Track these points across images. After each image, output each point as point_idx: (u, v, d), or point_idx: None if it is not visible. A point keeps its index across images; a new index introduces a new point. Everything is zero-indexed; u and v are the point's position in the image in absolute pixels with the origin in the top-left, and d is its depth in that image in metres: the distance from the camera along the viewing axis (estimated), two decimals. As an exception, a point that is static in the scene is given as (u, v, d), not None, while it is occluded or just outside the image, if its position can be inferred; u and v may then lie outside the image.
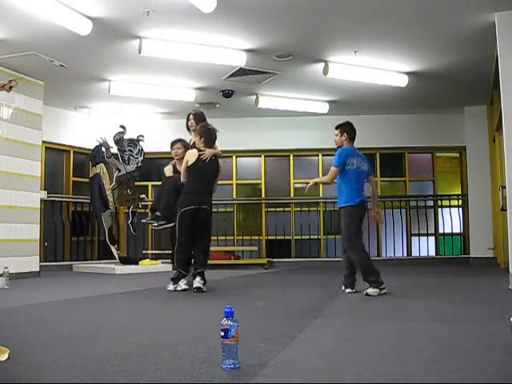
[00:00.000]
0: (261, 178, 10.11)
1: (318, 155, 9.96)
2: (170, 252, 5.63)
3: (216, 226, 8.26)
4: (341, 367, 2.19)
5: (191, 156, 5.19)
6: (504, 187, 5.46)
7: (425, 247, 9.80)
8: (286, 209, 9.94)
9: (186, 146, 5.57)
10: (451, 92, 8.32)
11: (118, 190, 8.81)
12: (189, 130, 5.57)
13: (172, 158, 5.84)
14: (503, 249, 7.11)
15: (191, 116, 5.54)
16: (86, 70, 7.13)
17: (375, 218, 5.36)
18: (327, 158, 10.01)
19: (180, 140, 5.76)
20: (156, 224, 5.47)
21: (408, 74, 7.34)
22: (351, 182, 4.84)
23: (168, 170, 5.80)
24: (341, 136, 5.00)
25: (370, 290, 4.67)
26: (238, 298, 4.62)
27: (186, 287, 5.06)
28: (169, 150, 5.82)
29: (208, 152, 5.15)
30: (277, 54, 6.62)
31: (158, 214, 5.50)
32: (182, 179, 5.20)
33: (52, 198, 8.53)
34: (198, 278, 5.00)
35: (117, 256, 8.60)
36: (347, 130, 5.00)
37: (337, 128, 5.06)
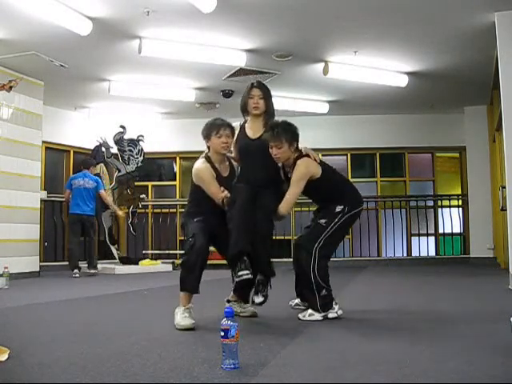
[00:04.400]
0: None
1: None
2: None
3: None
4: (341, 367, 2.19)
5: (317, 167, 3.57)
6: (504, 187, 5.45)
7: (425, 247, 9.80)
8: (285, 209, 9.93)
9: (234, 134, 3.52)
10: (451, 92, 8.31)
11: (117, 189, 8.81)
12: (246, 110, 3.60)
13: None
14: (503, 249, 7.11)
15: (260, 92, 3.56)
16: (85, 70, 7.13)
17: None
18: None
19: (228, 124, 3.46)
20: None
21: (408, 74, 7.34)
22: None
23: (208, 173, 3.39)
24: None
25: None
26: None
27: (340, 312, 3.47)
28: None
29: None
30: (277, 53, 6.62)
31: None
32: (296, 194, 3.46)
33: (52, 198, 8.52)
34: None
35: (117, 256, 8.60)
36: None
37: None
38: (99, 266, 7.79)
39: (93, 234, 7.79)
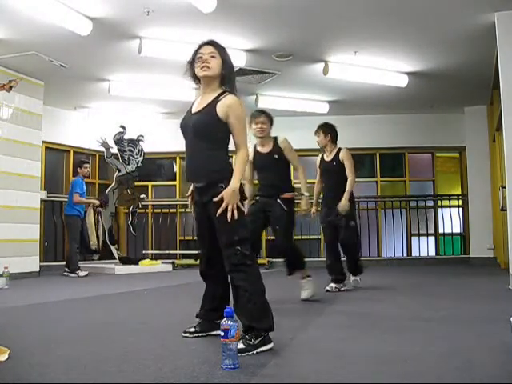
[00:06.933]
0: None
1: (318, 155, 9.92)
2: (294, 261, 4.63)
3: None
4: (341, 367, 2.19)
5: None
6: (504, 187, 5.46)
7: (425, 247, 9.79)
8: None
9: (272, 121, 4.43)
10: (451, 92, 8.31)
11: (117, 189, 8.81)
12: (194, 75, 2.95)
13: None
14: (503, 249, 7.11)
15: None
16: (85, 70, 7.13)
17: None
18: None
19: (264, 112, 4.35)
20: None
21: (408, 73, 7.34)
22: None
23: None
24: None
25: None
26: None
27: None
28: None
29: None
30: (277, 54, 6.62)
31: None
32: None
33: (52, 198, 8.52)
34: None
35: (117, 256, 8.59)
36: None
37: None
38: (85, 272, 7.43)
39: (69, 235, 7.76)
